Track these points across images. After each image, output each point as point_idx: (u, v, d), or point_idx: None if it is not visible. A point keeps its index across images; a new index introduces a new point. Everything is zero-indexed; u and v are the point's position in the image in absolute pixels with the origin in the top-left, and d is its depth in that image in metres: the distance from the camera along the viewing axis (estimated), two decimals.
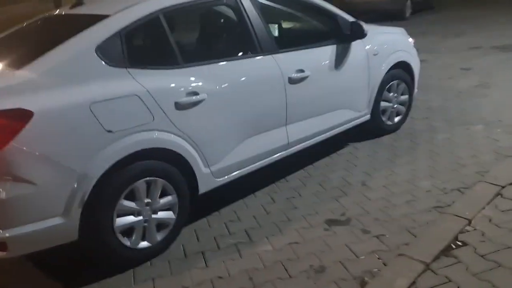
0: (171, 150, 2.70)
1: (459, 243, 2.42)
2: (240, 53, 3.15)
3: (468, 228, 2.56)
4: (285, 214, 3.20)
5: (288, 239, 2.87)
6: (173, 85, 2.70)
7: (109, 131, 2.41)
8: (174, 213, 2.82)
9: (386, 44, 4.16)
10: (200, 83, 2.81)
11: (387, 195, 3.32)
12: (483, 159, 3.73)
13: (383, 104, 4.29)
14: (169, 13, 2.82)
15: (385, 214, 3.05)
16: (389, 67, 4.16)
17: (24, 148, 2.17)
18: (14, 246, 2.27)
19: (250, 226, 3.08)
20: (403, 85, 4.42)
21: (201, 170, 2.90)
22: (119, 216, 2.56)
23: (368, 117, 4.16)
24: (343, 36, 3.73)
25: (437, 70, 6.88)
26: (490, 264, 2.24)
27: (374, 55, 4.00)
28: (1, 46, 3.00)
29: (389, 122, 4.44)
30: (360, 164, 3.91)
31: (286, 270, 2.55)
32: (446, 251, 2.35)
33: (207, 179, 2.97)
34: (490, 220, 2.62)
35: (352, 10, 13.91)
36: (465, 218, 2.63)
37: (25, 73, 2.31)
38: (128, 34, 2.63)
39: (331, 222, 3.03)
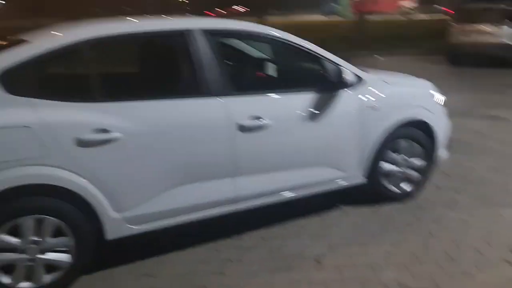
0: (65, 189, 2.51)
1: None
2: (177, 93, 2.85)
3: None
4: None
5: None
6: (77, 120, 2.51)
7: None
8: (71, 255, 2.61)
9: (393, 97, 3.51)
10: (115, 121, 2.58)
11: (332, 280, 2.70)
12: (484, 262, 2.86)
13: (386, 166, 3.62)
14: (95, 44, 2.65)
15: None
16: (396, 125, 3.50)
17: None
18: None
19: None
20: (417, 148, 3.69)
21: (109, 214, 2.65)
22: None
23: (361, 179, 3.52)
24: (326, 84, 3.23)
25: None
26: None
27: (373, 109, 3.39)
28: None
29: (395, 189, 3.72)
30: (335, 233, 3.30)
31: None
32: None
33: (118, 225, 2.71)
34: None
35: (458, 51, 12.75)
36: None
37: None
38: (44, 62, 2.54)
39: None
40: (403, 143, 3.64)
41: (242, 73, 3.49)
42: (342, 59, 3.35)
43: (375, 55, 13.92)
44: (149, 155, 2.71)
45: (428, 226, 3.35)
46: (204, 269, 2.88)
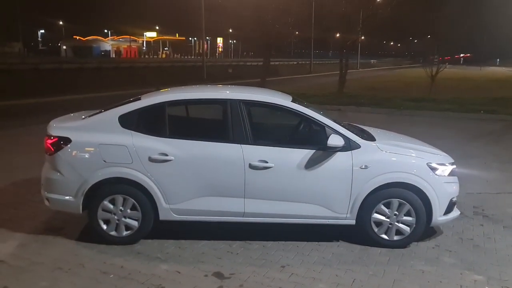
0: (139, 184, 4.42)
1: None
2: (214, 138, 4.51)
3: None
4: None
5: None
6: (152, 146, 4.41)
7: (104, 161, 4.39)
8: (137, 222, 4.51)
9: (380, 162, 4.45)
10: (172, 150, 4.41)
11: (278, 279, 3.93)
12: None
13: (376, 216, 4.52)
14: (172, 103, 4.58)
15: None
16: (381, 183, 4.42)
17: (62, 156, 4.43)
18: (52, 203, 4.56)
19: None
20: (407, 206, 4.48)
21: (162, 204, 4.47)
22: (103, 210, 4.48)
23: (350, 221, 4.54)
24: (321, 145, 4.43)
25: None
26: None
27: (362, 168, 4.40)
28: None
29: (384, 236, 4.56)
30: (314, 255, 4.40)
31: None
32: None
33: (166, 212, 4.50)
34: None
35: None
36: None
37: (82, 121, 4.60)
38: (142, 112, 4.55)
39: None
40: (395, 200, 4.49)
41: (259, 130, 4.96)
42: None
43: None
44: (189, 174, 4.44)
45: (388, 269, 4.15)
46: (212, 253, 4.44)
